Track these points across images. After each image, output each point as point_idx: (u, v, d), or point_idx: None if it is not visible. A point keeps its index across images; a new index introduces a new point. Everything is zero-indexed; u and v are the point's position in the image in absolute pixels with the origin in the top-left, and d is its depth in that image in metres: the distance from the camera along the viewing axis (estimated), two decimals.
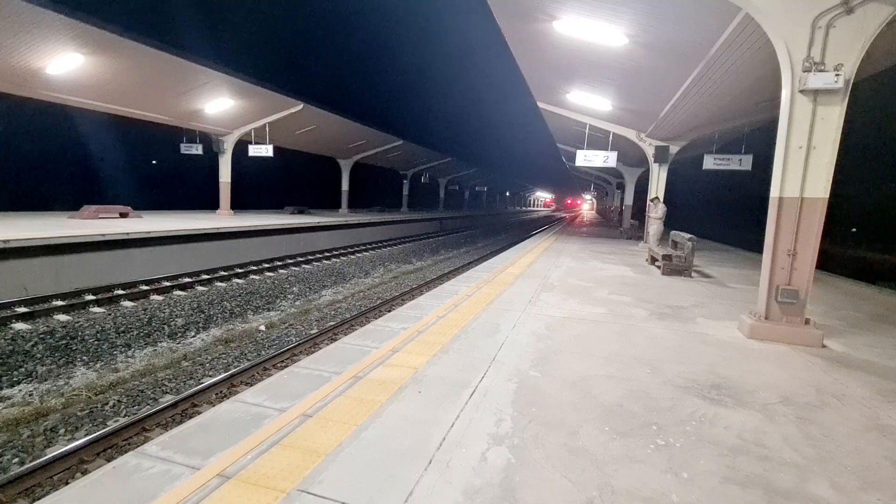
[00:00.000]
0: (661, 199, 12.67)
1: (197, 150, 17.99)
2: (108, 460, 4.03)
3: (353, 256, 16.92)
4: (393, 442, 2.57)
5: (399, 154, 28.74)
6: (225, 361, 6.59)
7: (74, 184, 21.92)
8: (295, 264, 14.24)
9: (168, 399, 5.22)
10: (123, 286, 9.73)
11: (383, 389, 3.24)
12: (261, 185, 27.92)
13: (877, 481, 2.40)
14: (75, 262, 9.48)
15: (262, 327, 8.26)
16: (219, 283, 11.03)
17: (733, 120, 11.45)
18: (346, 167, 26.86)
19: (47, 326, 7.15)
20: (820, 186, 4.45)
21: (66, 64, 10.77)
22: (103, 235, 10.00)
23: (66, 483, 3.74)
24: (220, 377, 5.71)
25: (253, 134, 18.24)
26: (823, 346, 4.69)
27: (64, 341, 6.76)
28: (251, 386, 3.96)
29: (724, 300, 6.81)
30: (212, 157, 18.59)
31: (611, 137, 13.79)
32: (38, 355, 6.30)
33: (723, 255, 13.05)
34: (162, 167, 26.63)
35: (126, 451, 3.89)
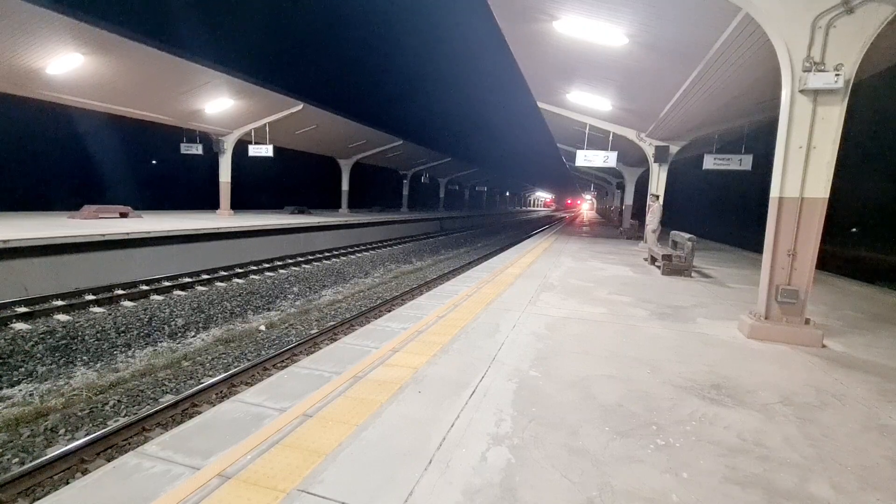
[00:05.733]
0: (661, 199, 12.63)
1: (197, 150, 17.99)
2: (109, 460, 4.04)
3: (353, 256, 16.91)
4: (393, 442, 2.57)
5: (399, 154, 28.73)
6: (225, 361, 6.59)
7: (74, 184, 21.92)
8: (295, 264, 14.24)
9: (168, 399, 5.23)
10: (123, 286, 9.73)
11: (383, 389, 3.24)
12: (261, 185, 27.94)
13: (877, 481, 2.40)
14: (75, 262, 9.48)
15: (262, 327, 8.26)
16: (219, 283, 11.02)
17: (733, 120, 11.44)
18: (346, 167, 26.86)
19: (47, 326, 7.14)
20: (820, 186, 4.44)
21: (66, 64, 10.77)
22: (103, 235, 10.00)
23: (66, 483, 3.74)
24: (220, 377, 5.71)
25: (253, 134, 18.24)
26: (823, 346, 4.69)
27: (64, 341, 6.76)
28: (251, 386, 3.97)
29: (724, 300, 6.81)
30: (212, 157, 18.59)
31: (611, 137, 13.79)
32: (39, 355, 6.30)
33: (723, 255, 13.05)
34: (162, 167, 26.65)
35: (126, 451, 3.90)
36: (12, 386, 5.58)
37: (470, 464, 2.38)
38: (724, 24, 5.96)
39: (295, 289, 11.30)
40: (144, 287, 9.77)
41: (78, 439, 4.32)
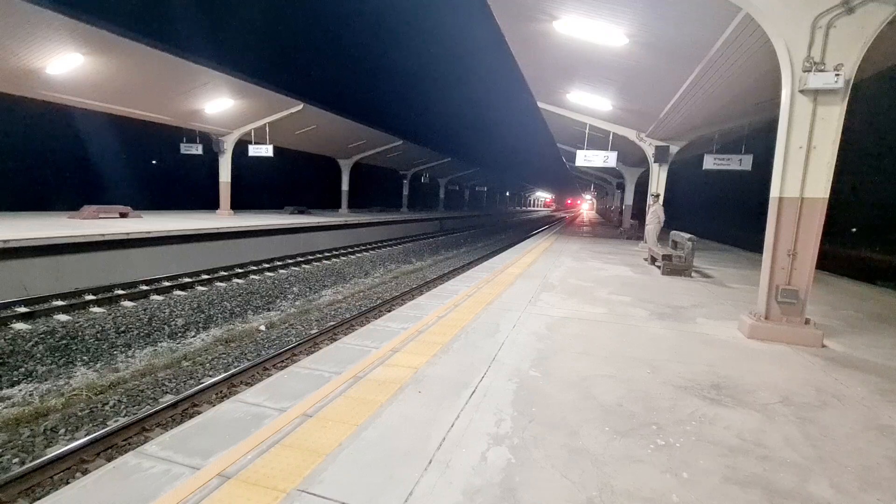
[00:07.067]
0: (659, 199, 12.56)
1: (197, 150, 18.00)
2: (109, 460, 4.04)
3: (353, 256, 16.91)
4: (393, 442, 2.57)
5: (399, 154, 28.74)
6: (225, 361, 6.59)
7: (74, 184, 21.86)
8: (295, 264, 14.24)
9: (168, 399, 5.23)
10: (123, 286, 9.72)
11: (383, 389, 3.24)
12: (261, 185, 27.89)
13: (877, 481, 2.40)
14: (75, 262, 9.48)
15: (262, 327, 8.26)
16: (219, 283, 11.02)
17: (733, 120, 11.44)
18: (346, 167, 26.87)
19: (47, 326, 7.14)
20: (820, 186, 4.45)
21: (66, 64, 10.77)
22: (103, 235, 10.00)
23: (66, 483, 3.74)
24: (220, 377, 5.71)
25: (253, 134, 18.24)
26: (823, 346, 4.69)
27: (64, 341, 6.76)
28: (251, 386, 3.96)
29: (724, 300, 6.81)
30: (212, 157, 18.59)
31: (611, 137, 13.79)
32: (38, 355, 6.30)
33: (723, 255, 13.05)
34: (162, 167, 26.59)
35: (126, 451, 3.90)
36: (12, 386, 5.57)
37: (470, 464, 2.38)
38: (724, 24, 5.96)
39: (295, 289, 11.30)
40: (144, 287, 9.76)
41: (78, 439, 4.31)
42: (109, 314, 8.05)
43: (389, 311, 7.26)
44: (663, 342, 4.63)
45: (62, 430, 4.60)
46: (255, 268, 12.79)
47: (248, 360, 6.65)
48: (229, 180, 18.94)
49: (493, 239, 28.95)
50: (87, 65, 11.08)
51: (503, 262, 9.89)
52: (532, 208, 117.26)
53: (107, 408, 5.09)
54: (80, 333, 7.07)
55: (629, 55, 7.84)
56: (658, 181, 13.36)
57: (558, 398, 3.21)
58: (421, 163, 34.65)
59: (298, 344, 7.01)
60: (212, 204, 19.74)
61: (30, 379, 5.78)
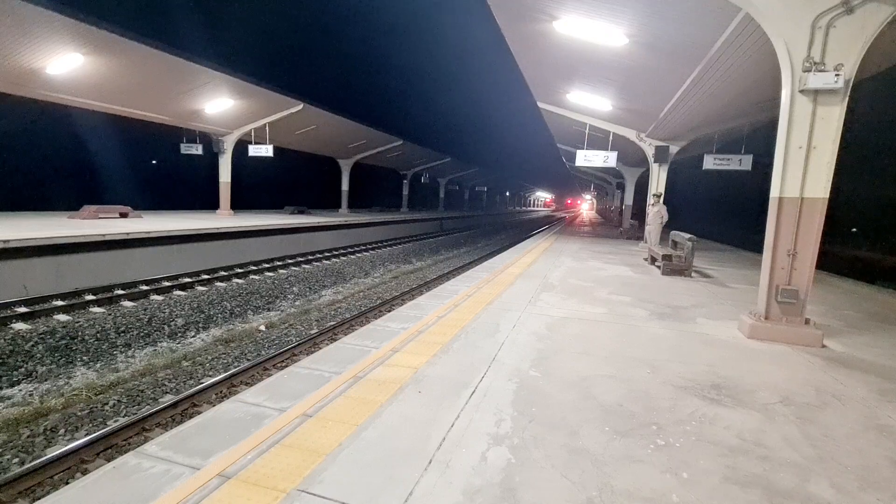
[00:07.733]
0: (661, 199, 12.55)
1: (197, 150, 17.99)
2: (108, 460, 4.03)
3: (353, 256, 16.91)
4: (393, 442, 2.57)
5: (399, 154, 28.73)
6: (225, 361, 6.59)
7: (74, 184, 21.87)
8: (295, 264, 14.24)
9: (168, 399, 5.23)
10: (123, 286, 9.73)
11: (383, 389, 3.24)
12: (261, 185, 27.90)
13: (877, 481, 2.40)
14: (75, 262, 9.48)
15: (262, 327, 8.26)
16: (219, 283, 11.02)
17: (733, 120, 11.45)
18: (346, 167, 26.86)
19: (47, 326, 7.14)
20: (820, 186, 4.44)
21: (66, 64, 10.77)
22: (103, 235, 10.00)
23: (66, 483, 3.74)
24: (220, 377, 5.71)
25: (253, 134, 18.23)
26: (823, 346, 4.69)
27: (64, 341, 6.76)
28: (251, 386, 3.97)
29: (724, 300, 6.81)
30: (212, 157, 18.58)
31: (611, 137, 13.79)
32: (38, 355, 6.30)
33: (723, 255, 13.05)
34: (162, 167, 26.60)
35: (126, 451, 3.90)
36: (12, 386, 5.57)
37: (470, 464, 2.38)
38: (724, 24, 5.96)
39: (295, 289, 11.30)
40: (144, 287, 9.77)
41: (78, 439, 4.31)
42: (109, 314, 8.05)
43: (389, 311, 7.26)
44: (663, 342, 4.63)
45: (62, 430, 4.60)
46: (255, 268, 12.80)
47: (248, 360, 6.65)
48: (229, 180, 18.93)
49: (493, 239, 28.96)
50: (87, 65, 11.07)
51: (503, 262, 9.89)
52: (532, 208, 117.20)
53: (107, 408, 5.09)
54: (80, 333, 7.07)
55: (629, 55, 7.84)
56: (658, 181, 13.36)
57: (558, 398, 3.21)
58: (421, 163, 34.64)
59: (298, 344, 7.01)
60: (212, 204, 19.74)
61: (30, 379, 5.78)
